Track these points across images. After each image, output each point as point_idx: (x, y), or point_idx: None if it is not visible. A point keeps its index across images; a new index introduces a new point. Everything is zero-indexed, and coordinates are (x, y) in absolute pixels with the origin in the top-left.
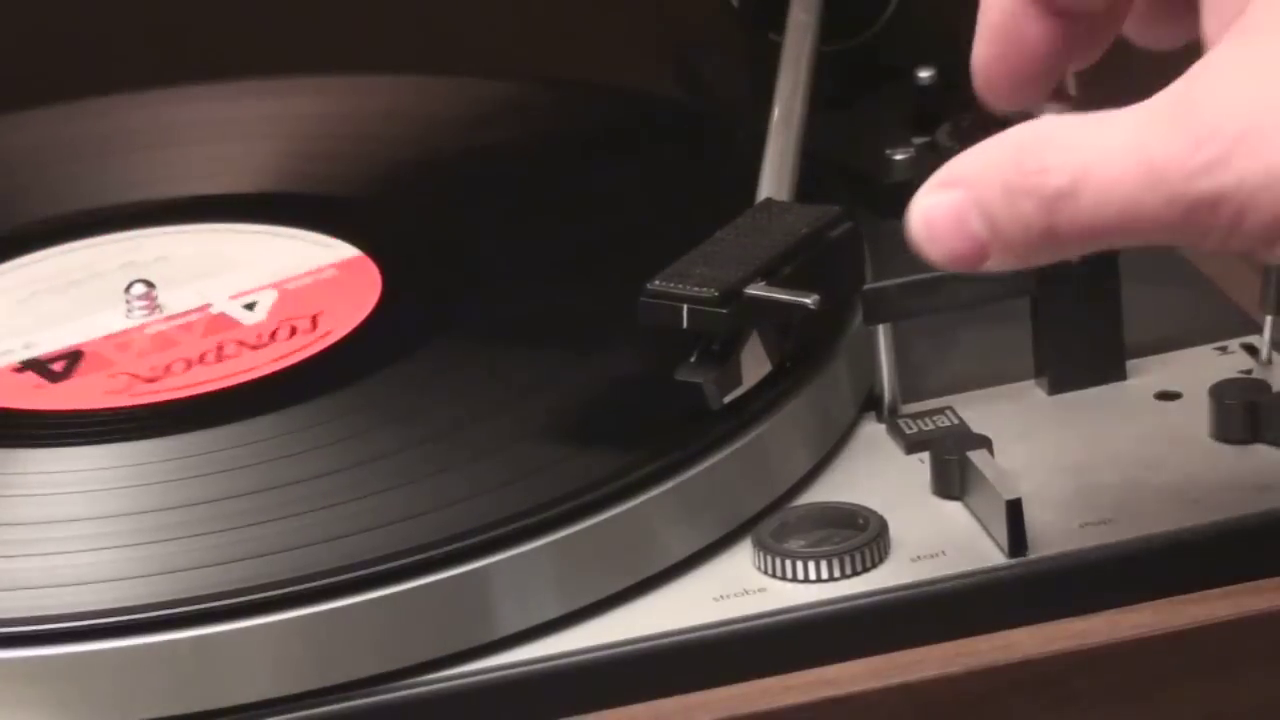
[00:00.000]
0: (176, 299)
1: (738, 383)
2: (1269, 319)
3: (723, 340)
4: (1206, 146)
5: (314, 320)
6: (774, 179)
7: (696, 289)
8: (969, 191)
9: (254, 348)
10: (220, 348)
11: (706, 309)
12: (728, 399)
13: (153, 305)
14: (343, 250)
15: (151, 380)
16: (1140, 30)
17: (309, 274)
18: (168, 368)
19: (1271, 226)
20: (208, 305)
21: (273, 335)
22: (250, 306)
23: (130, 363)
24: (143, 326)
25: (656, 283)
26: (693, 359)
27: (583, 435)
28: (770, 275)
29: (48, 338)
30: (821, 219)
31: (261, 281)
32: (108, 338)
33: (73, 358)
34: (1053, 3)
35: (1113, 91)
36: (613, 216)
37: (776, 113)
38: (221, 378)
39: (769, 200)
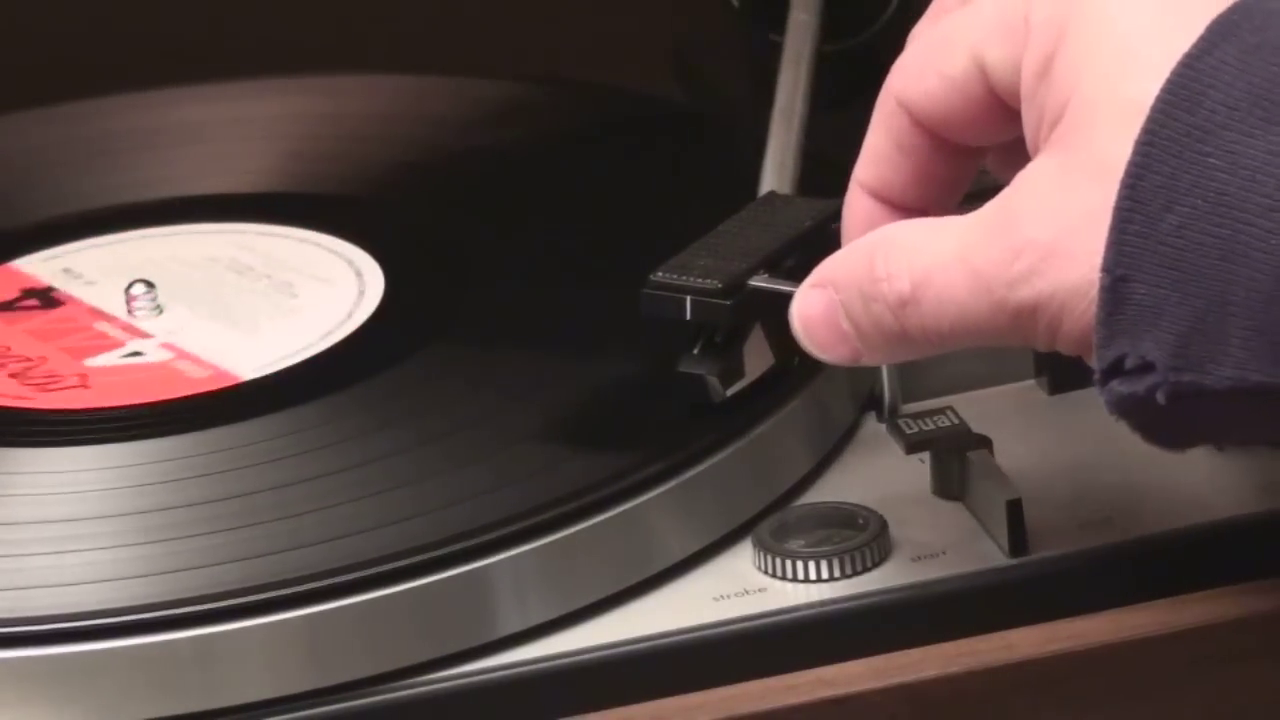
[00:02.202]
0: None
1: (740, 376)
2: None
3: (726, 332)
4: (1022, 257)
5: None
6: (776, 173)
7: (700, 280)
8: (836, 294)
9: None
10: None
11: (710, 300)
12: (730, 392)
13: (153, 306)
14: (350, 255)
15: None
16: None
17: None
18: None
19: (1082, 337)
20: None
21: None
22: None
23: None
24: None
25: (659, 274)
26: (695, 351)
27: (583, 435)
28: (774, 268)
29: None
30: (824, 211)
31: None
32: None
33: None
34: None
35: None
36: (613, 216)
37: (778, 108)
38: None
39: (772, 193)
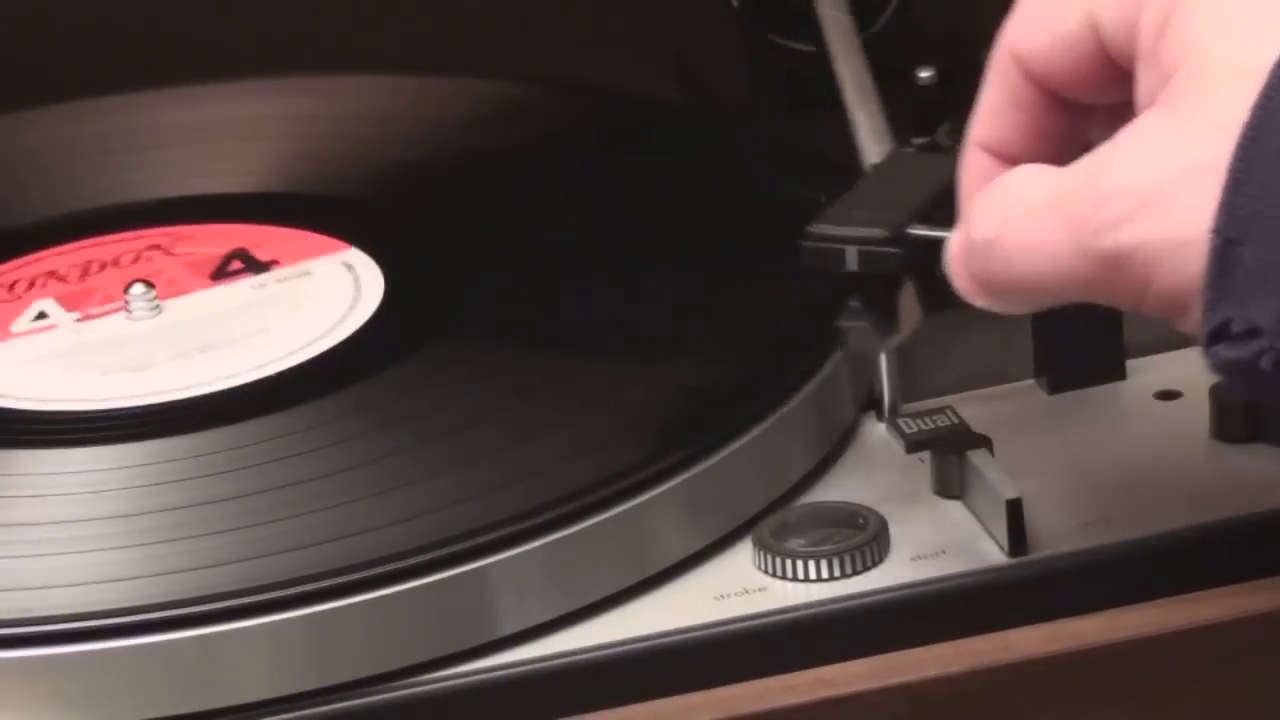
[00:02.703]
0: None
1: (897, 329)
2: None
3: (884, 285)
4: (1113, 204)
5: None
6: (875, 141)
7: (864, 230)
8: (960, 236)
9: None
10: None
11: (877, 249)
12: (892, 344)
13: (152, 306)
14: (350, 255)
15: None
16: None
17: None
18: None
19: (1177, 295)
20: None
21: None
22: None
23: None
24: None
25: (819, 226)
26: (854, 304)
27: (583, 435)
28: (927, 218)
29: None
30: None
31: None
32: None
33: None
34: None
35: None
36: (613, 217)
37: (849, 87)
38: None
39: (900, 150)
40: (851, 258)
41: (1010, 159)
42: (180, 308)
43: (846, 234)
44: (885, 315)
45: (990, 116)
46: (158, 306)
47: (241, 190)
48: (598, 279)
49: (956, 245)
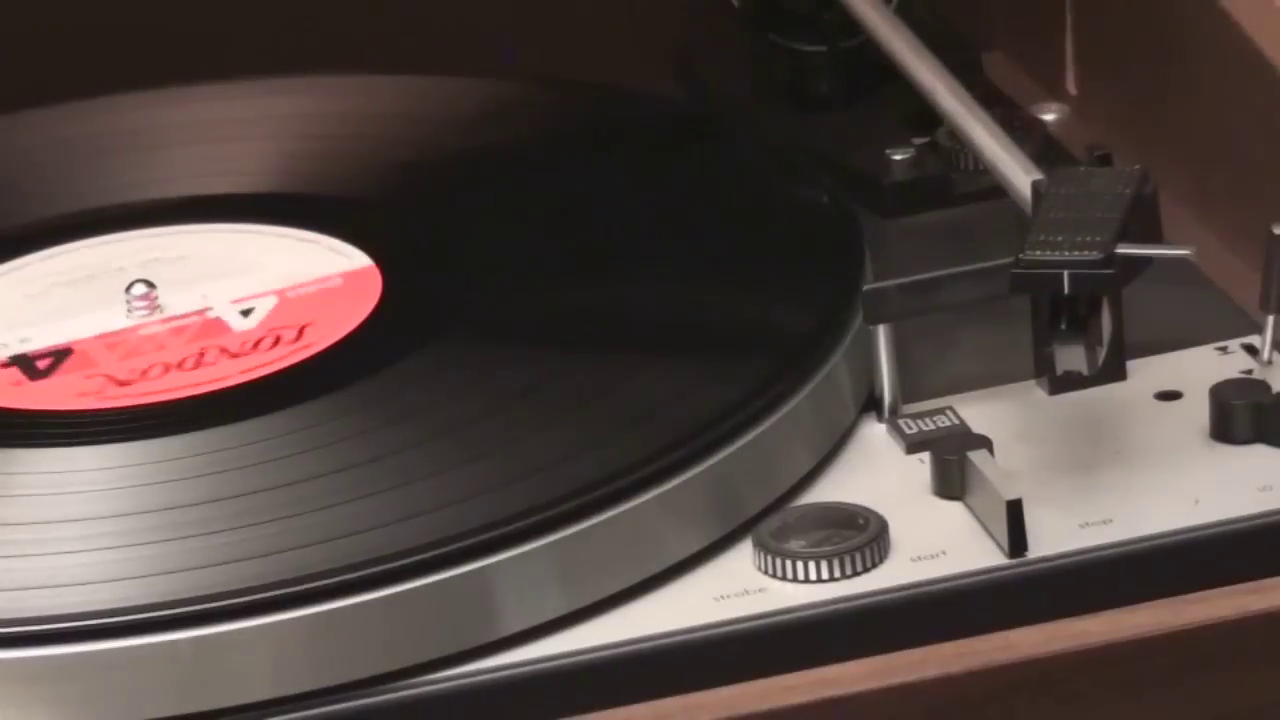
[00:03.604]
0: (182, 300)
1: (1101, 346)
2: (1270, 319)
3: (1088, 305)
4: None
5: (300, 331)
6: (1014, 160)
7: (1076, 254)
8: None
9: (234, 355)
10: (202, 354)
11: (1092, 272)
12: (1097, 364)
13: (153, 305)
14: (350, 255)
15: (124, 384)
16: None
17: (315, 282)
18: (144, 372)
19: None
20: (206, 309)
21: (256, 345)
22: (247, 313)
23: (111, 364)
24: (138, 327)
25: (1028, 253)
26: (1063, 326)
27: (583, 435)
28: (1124, 235)
29: (45, 333)
30: (1134, 178)
31: (267, 287)
32: (100, 336)
33: (60, 355)
34: None
35: (1113, 86)
36: (612, 216)
37: (958, 113)
38: (193, 385)
39: (1064, 168)
40: (1066, 281)
41: None
42: (178, 307)
43: (1061, 259)
44: (1092, 334)
45: None
46: (159, 307)
47: (241, 190)
48: (597, 279)
49: None
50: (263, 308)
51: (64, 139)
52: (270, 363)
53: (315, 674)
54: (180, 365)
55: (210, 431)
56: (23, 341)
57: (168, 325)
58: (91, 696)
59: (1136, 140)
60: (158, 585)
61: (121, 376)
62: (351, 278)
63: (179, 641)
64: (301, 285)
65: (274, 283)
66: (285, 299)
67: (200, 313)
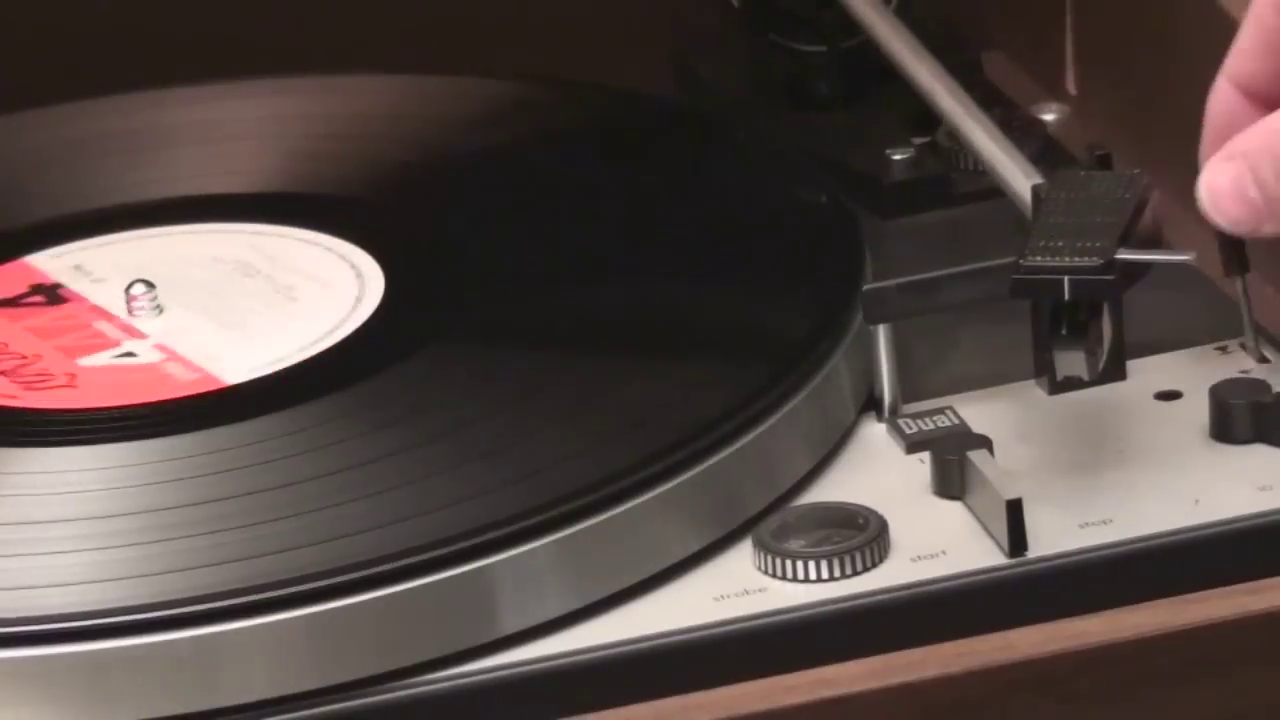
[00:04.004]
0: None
1: (1102, 352)
2: (1239, 282)
3: (1088, 311)
4: None
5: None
6: (1014, 164)
7: (1076, 260)
8: (1245, 163)
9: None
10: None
11: (1093, 278)
12: (1097, 369)
13: (153, 305)
14: (350, 255)
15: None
16: None
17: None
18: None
19: None
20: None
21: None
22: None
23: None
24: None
25: (1029, 258)
26: (1063, 332)
27: (583, 435)
28: (1124, 240)
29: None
30: (1134, 182)
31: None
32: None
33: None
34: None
35: (1113, 86)
36: (612, 216)
37: (957, 115)
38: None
39: (1063, 172)
40: (1067, 287)
41: (1259, 96)
42: (182, 308)
43: (1061, 265)
44: (1092, 340)
45: (1244, 55)
46: (159, 307)
47: (241, 190)
48: (597, 278)
49: (1231, 174)
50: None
51: (64, 139)
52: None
53: (314, 674)
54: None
55: (210, 431)
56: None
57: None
58: (91, 696)
59: (1136, 140)
60: (157, 585)
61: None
62: (345, 276)
63: (178, 641)
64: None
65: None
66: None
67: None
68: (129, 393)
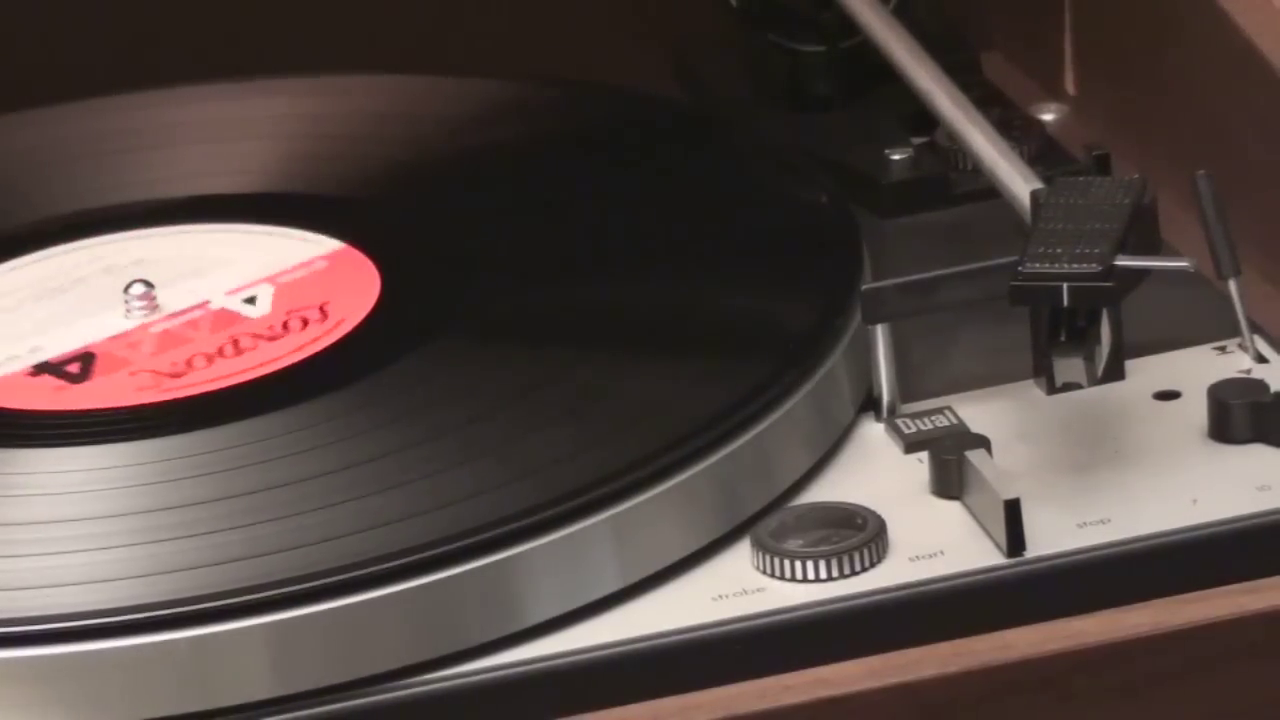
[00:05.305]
0: (171, 298)
1: (1101, 359)
2: (1231, 284)
3: (1087, 317)
4: None
5: (323, 310)
6: (1013, 168)
7: (1075, 266)
8: None
9: (270, 339)
10: (235, 341)
11: (1092, 285)
12: (1096, 376)
13: (152, 305)
14: (350, 255)
15: (176, 376)
16: None
17: (300, 266)
18: (189, 362)
19: None
20: (206, 302)
21: (285, 327)
22: (251, 300)
23: (146, 360)
24: (145, 326)
25: (1027, 265)
26: (1062, 338)
27: (581, 435)
28: (1123, 246)
29: (51, 341)
30: (1132, 187)
31: (255, 276)
32: (114, 338)
33: (85, 359)
34: None
35: (1112, 86)
36: (612, 216)
37: (956, 118)
38: (245, 370)
39: (1063, 179)
40: (1065, 294)
41: None
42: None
43: (1056, 272)
44: (1090, 346)
45: None
46: (157, 307)
47: (241, 190)
48: (596, 278)
49: None
50: (264, 295)
51: (64, 139)
52: (311, 342)
53: (313, 674)
54: (220, 353)
55: (210, 431)
56: (33, 351)
57: (176, 321)
58: (91, 696)
59: (1135, 140)
60: (156, 585)
61: (167, 370)
62: (338, 264)
63: (177, 641)
64: (288, 271)
65: (261, 272)
66: (280, 285)
67: (201, 305)
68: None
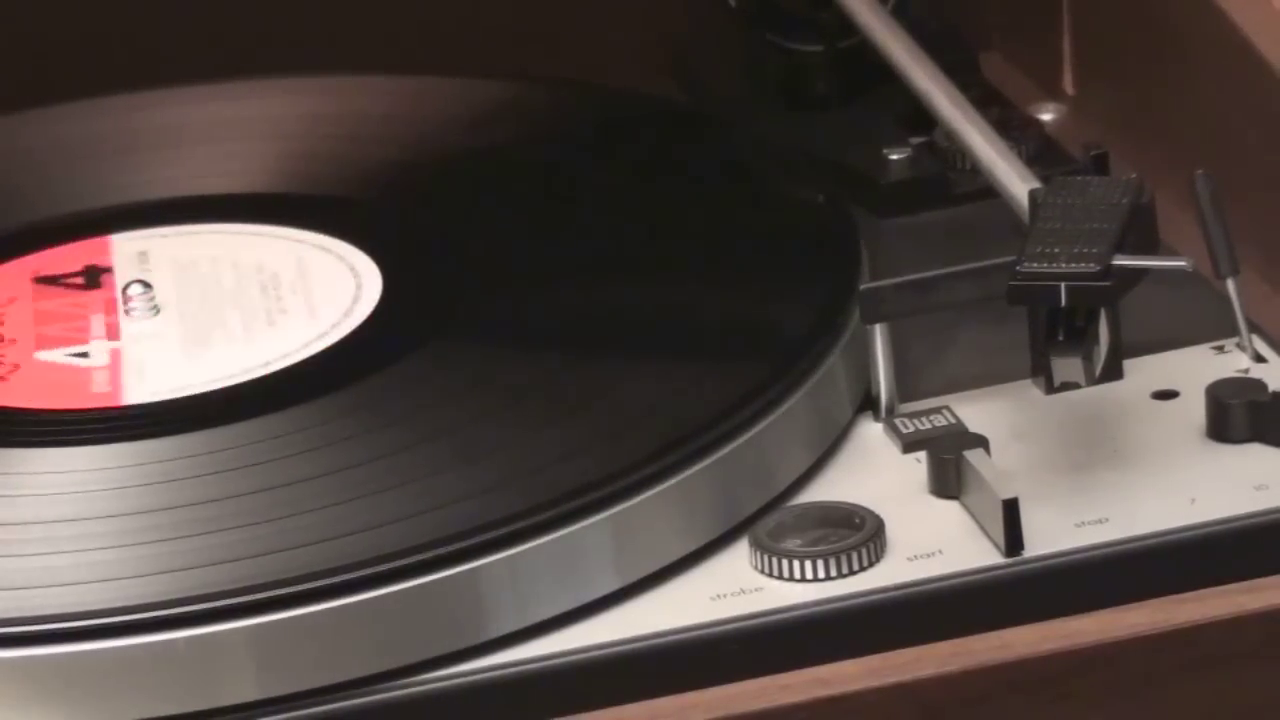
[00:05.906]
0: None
1: (1099, 359)
2: (1230, 283)
3: (1086, 316)
4: None
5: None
6: (1011, 168)
7: (1073, 266)
8: None
9: None
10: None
11: (1089, 284)
12: (1095, 375)
13: (151, 305)
14: (350, 255)
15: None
16: None
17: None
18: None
19: None
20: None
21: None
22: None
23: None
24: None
25: (1025, 265)
26: (1060, 338)
27: (579, 435)
28: (1121, 246)
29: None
30: (1129, 187)
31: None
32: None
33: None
34: None
35: (1111, 86)
36: (610, 216)
37: (954, 119)
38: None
39: (1060, 178)
40: (1063, 293)
41: None
42: (179, 307)
43: (1054, 271)
44: (1088, 346)
45: None
46: (156, 308)
47: (241, 190)
48: (594, 278)
49: None
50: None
51: (65, 139)
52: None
53: (311, 674)
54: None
55: (210, 431)
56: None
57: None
58: (91, 696)
59: (1134, 140)
60: (155, 585)
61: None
62: (344, 276)
63: (176, 641)
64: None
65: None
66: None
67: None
68: (42, 396)
